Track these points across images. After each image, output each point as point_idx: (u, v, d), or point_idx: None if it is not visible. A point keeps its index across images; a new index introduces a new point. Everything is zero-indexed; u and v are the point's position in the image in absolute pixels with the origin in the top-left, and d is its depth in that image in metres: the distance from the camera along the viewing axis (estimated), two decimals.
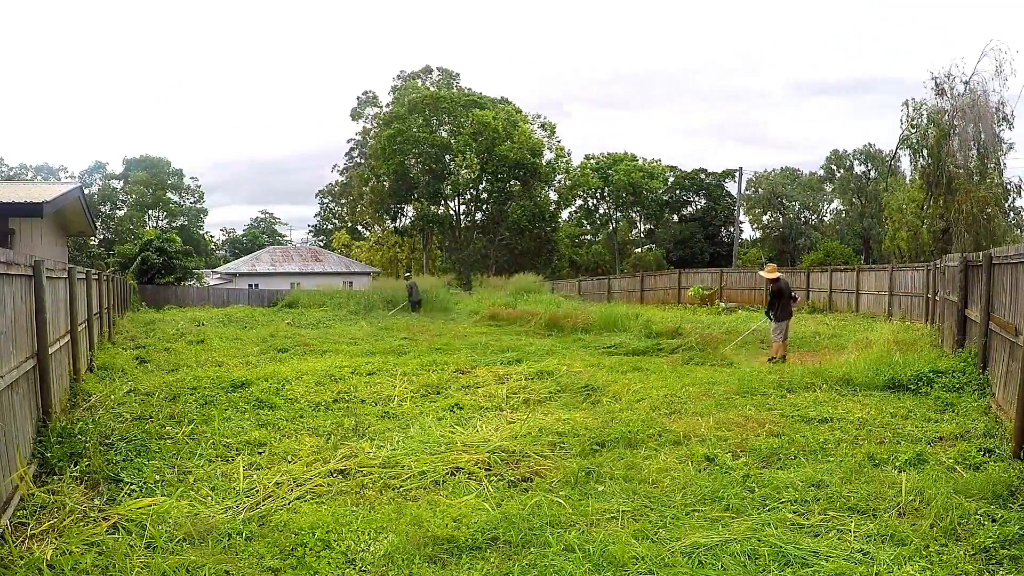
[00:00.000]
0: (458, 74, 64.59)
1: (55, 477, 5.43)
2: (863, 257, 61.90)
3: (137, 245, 45.80)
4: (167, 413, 7.77)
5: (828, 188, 71.12)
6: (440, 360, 11.87)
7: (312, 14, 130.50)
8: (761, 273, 15.34)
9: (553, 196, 62.85)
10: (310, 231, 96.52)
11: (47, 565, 4.01)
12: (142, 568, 4.06)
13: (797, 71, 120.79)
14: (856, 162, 67.37)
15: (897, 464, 5.82)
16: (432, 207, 59.43)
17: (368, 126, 65.10)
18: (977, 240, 27.25)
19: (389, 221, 65.31)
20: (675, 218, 73.25)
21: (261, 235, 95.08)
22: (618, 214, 70.16)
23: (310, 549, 4.31)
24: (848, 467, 5.70)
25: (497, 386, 9.61)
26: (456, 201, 60.98)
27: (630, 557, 4.13)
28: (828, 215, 73.13)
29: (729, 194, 71.74)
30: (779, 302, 13.26)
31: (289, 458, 6.30)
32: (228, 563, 4.12)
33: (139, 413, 7.70)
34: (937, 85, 29.49)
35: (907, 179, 35.98)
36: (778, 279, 13.59)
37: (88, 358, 10.30)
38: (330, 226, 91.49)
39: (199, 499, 5.22)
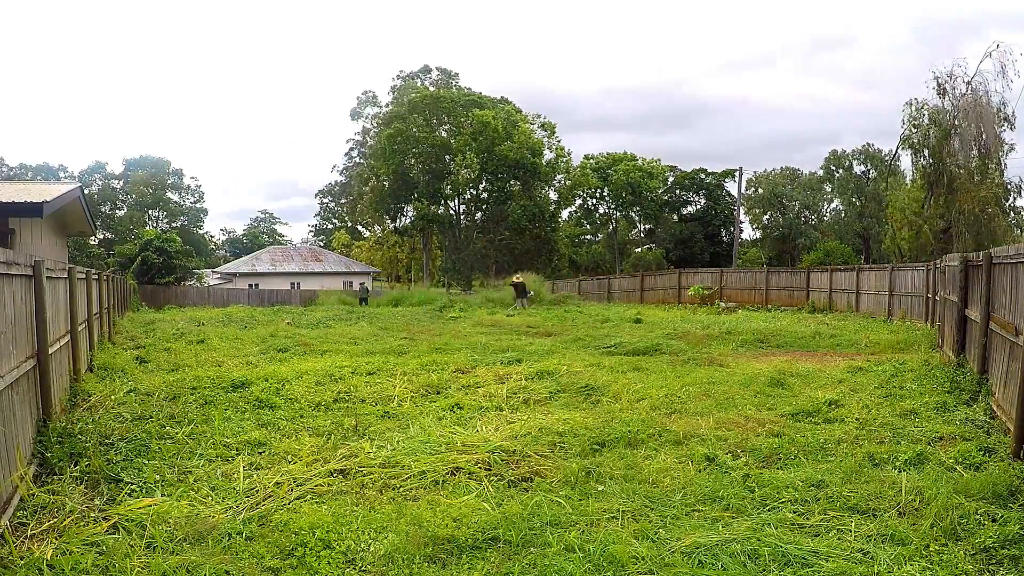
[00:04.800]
0: (457, 74, 64.71)
1: (55, 477, 5.43)
2: (863, 257, 61.93)
3: (137, 245, 45.90)
4: (167, 413, 7.77)
5: (828, 188, 71.16)
6: (440, 360, 11.86)
7: (312, 14, 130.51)
8: (513, 279, 32.15)
9: (553, 196, 62.84)
10: (310, 231, 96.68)
11: (47, 565, 4.01)
12: (142, 568, 4.06)
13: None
14: (855, 162, 67.45)
15: (897, 464, 5.82)
16: (432, 207, 59.39)
17: (368, 126, 65.17)
18: (978, 240, 27.24)
19: (389, 221, 65.31)
20: (675, 218, 73.25)
21: (261, 235, 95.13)
22: (618, 214, 70.16)
23: (310, 549, 4.31)
24: (848, 467, 5.70)
25: (497, 386, 9.61)
26: (456, 201, 60.96)
27: (630, 557, 4.13)
28: (828, 215, 73.18)
29: (729, 194, 71.82)
30: (520, 293, 29.50)
31: (289, 458, 6.29)
32: (228, 563, 4.12)
33: (139, 413, 7.70)
34: (939, 85, 29.48)
35: (908, 179, 35.96)
36: (518, 282, 30.23)
37: (88, 358, 10.30)
38: (330, 226, 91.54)
39: (199, 499, 5.21)
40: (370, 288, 46.86)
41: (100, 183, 76.14)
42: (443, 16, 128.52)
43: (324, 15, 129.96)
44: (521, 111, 61.52)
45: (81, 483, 5.38)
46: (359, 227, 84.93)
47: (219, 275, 60.84)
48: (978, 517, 4.52)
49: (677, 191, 74.06)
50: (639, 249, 73.55)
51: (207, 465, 6.07)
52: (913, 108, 30.53)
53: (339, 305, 35.76)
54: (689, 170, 73.56)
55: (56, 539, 4.37)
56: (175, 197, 79.97)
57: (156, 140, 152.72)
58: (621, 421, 7.41)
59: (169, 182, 79.00)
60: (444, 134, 59.60)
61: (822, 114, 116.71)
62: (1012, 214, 32.53)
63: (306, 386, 9.46)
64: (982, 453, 5.92)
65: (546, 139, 61.20)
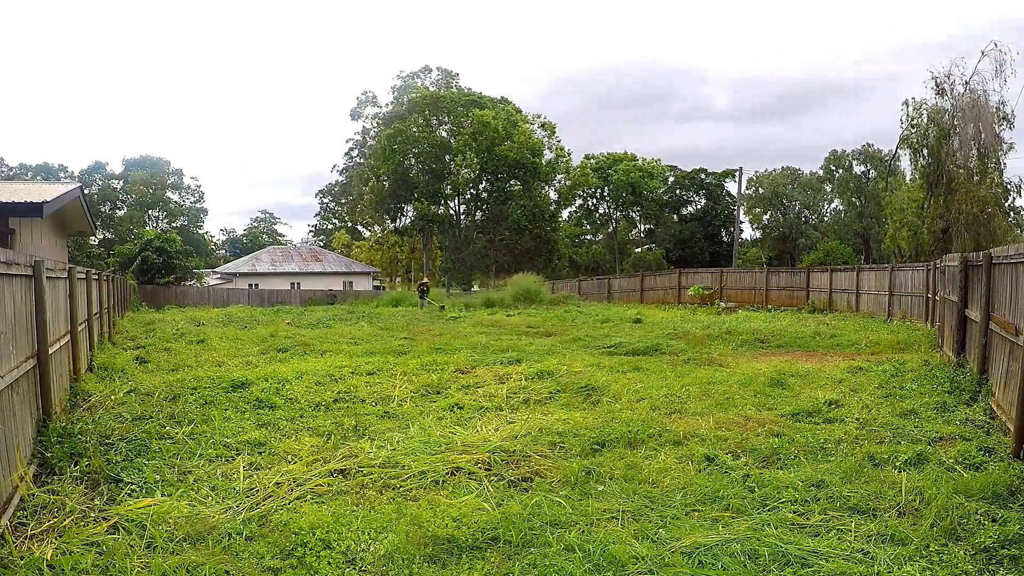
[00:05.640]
0: (457, 74, 64.74)
1: (55, 477, 5.43)
2: (863, 257, 61.97)
3: (137, 245, 45.92)
4: (167, 413, 7.77)
5: (828, 188, 71.20)
6: (440, 360, 11.86)
7: (313, 14, 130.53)
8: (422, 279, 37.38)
9: (553, 196, 62.87)
10: (310, 231, 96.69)
11: (47, 565, 4.01)
12: (142, 568, 4.06)
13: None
14: (855, 162, 67.49)
15: (897, 464, 5.82)
16: (432, 207, 59.41)
17: (368, 126, 65.18)
18: (977, 240, 27.21)
19: (389, 221, 65.31)
20: (675, 218, 73.30)
21: (261, 235, 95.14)
22: (618, 214, 70.18)
23: (310, 549, 4.31)
24: (848, 467, 5.70)
25: (497, 386, 9.61)
26: (456, 201, 60.99)
27: (630, 557, 4.13)
28: (828, 215, 73.24)
29: (729, 194, 71.88)
30: (423, 292, 33.52)
31: (289, 458, 6.30)
32: (228, 563, 4.12)
33: (139, 413, 7.70)
34: (937, 85, 29.44)
35: (907, 179, 35.98)
36: (424, 282, 35.11)
37: (88, 358, 10.30)
38: (330, 226, 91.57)
39: (199, 499, 5.21)
40: (336, 291, 49.93)
41: (100, 183, 76.10)
42: (443, 16, 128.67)
43: (324, 15, 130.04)
44: (521, 111, 61.54)
45: (81, 483, 5.38)
46: (359, 227, 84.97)
47: (219, 275, 60.82)
48: (978, 517, 4.52)
49: (677, 191, 74.10)
50: (639, 249, 73.58)
51: (207, 465, 6.07)
52: (911, 108, 30.52)
53: (339, 305, 35.92)
54: (689, 170, 73.68)
55: (56, 539, 4.37)
56: (175, 197, 79.94)
57: (156, 140, 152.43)
58: (621, 421, 7.41)
59: (169, 182, 78.97)
60: (444, 134, 59.62)
61: None
62: (1012, 214, 32.50)
63: (306, 386, 9.46)
64: (982, 453, 5.92)
65: (546, 139, 61.24)
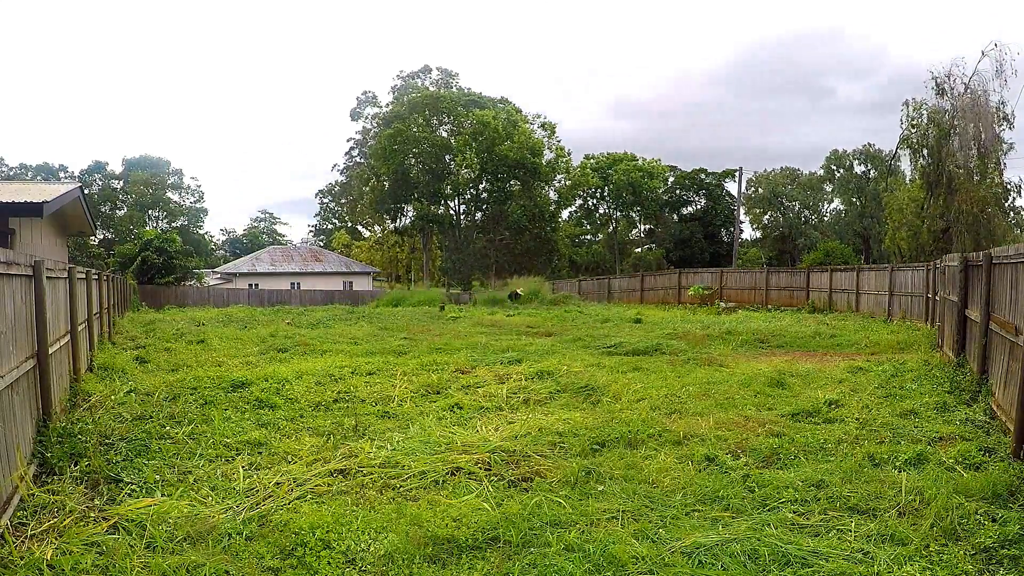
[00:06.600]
0: (457, 73, 64.75)
1: (55, 477, 5.43)
2: (863, 257, 61.92)
3: (137, 245, 45.88)
4: (167, 413, 7.77)
5: (828, 188, 71.17)
6: (440, 360, 11.86)
7: (313, 14, 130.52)
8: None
9: (553, 196, 62.83)
10: (310, 231, 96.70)
11: (47, 565, 4.01)
12: (142, 568, 4.07)
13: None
14: (856, 162, 67.44)
15: (897, 464, 5.83)
16: (432, 207, 59.41)
17: (368, 126, 65.17)
18: (977, 240, 27.24)
19: (389, 221, 65.30)
20: (675, 218, 73.24)
21: (261, 235, 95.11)
22: (618, 214, 70.13)
23: (310, 549, 4.31)
24: (848, 467, 5.70)
25: (497, 386, 9.61)
26: (456, 201, 60.96)
27: (630, 557, 4.13)
28: (828, 215, 73.20)
29: (729, 194, 71.82)
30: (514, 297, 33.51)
31: (289, 458, 6.30)
32: (228, 563, 4.12)
33: (139, 413, 7.70)
34: (938, 85, 29.47)
35: (907, 179, 35.99)
36: (516, 291, 33.96)
37: (88, 358, 10.29)
38: (330, 226, 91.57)
39: (199, 499, 5.22)
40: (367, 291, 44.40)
41: (100, 183, 76.03)
42: (443, 16, 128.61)
43: (324, 15, 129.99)
44: (521, 111, 61.52)
45: (81, 483, 5.38)
46: (359, 227, 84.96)
47: (219, 275, 60.80)
48: (978, 517, 4.52)
49: (677, 191, 74.04)
50: (639, 249, 73.52)
51: (207, 465, 6.07)
52: (911, 108, 30.53)
53: (339, 305, 35.98)
54: (689, 170, 73.64)
55: (56, 539, 4.37)
56: (175, 197, 79.90)
57: (156, 140, 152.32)
58: (621, 421, 7.41)
59: (169, 182, 78.92)
60: (444, 134, 59.62)
61: None
62: (1012, 214, 32.55)
63: (306, 386, 9.46)
64: (982, 453, 5.92)
65: (546, 139, 61.20)
